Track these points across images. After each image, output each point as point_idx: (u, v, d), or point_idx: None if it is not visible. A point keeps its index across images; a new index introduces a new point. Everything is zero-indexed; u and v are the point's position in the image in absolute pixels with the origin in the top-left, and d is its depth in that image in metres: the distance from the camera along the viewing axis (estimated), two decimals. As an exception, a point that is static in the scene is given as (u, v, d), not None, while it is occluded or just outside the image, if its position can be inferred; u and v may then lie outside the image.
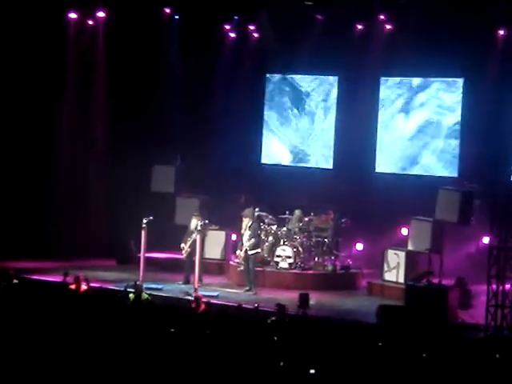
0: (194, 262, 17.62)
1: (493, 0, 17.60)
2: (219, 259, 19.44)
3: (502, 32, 18.73)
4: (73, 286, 15.23)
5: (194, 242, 17.77)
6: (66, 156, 20.59)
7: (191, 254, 17.83)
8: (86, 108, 20.66)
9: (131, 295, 14.94)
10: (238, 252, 18.05)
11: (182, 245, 18.03)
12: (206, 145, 20.60)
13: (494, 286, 14.78)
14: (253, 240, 17.67)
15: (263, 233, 18.97)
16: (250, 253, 17.65)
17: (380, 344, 11.67)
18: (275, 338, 11.64)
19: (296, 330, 12.64)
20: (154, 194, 19.79)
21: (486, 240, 17.62)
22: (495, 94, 18.40)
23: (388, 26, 19.73)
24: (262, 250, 18.60)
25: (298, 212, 18.98)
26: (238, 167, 20.59)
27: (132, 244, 19.03)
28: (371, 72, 20.19)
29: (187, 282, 17.79)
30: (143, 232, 17.31)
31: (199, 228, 17.41)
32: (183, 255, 18.05)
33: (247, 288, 17.59)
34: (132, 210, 18.82)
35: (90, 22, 20.37)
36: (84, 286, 15.23)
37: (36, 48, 19.79)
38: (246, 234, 17.72)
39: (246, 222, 17.78)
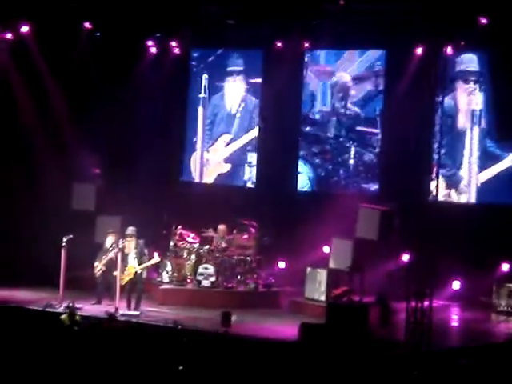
0: (108, 281, 17.46)
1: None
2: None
3: (419, 50, 19.11)
4: None
5: (109, 260, 17.60)
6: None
7: (105, 272, 17.61)
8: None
9: (64, 317, 14.63)
10: (125, 273, 17.27)
11: (96, 263, 17.70)
12: (128, 162, 20.46)
13: (413, 303, 14.98)
14: (139, 258, 17.29)
15: (186, 251, 18.91)
16: (139, 271, 17.29)
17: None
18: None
19: (217, 349, 12.62)
20: (74, 213, 19.54)
21: (405, 258, 17.88)
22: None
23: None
24: (182, 269, 18.55)
25: (222, 227, 18.98)
26: (161, 185, 20.52)
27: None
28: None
29: (99, 302, 17.53)
30: (63, 251, 17.11)
31: (120, 246, 17.21)
32: (96, 274, 17.71)
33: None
34: (51, 229, 18.57)
35: (9, 36, 20.09)
36: None
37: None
38: (133, 252, 17.28)
39: (132, 242, 17.29)
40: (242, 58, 21.46)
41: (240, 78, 21.56)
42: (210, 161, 21.90)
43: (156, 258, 17.73)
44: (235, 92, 21.65)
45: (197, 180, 21.94)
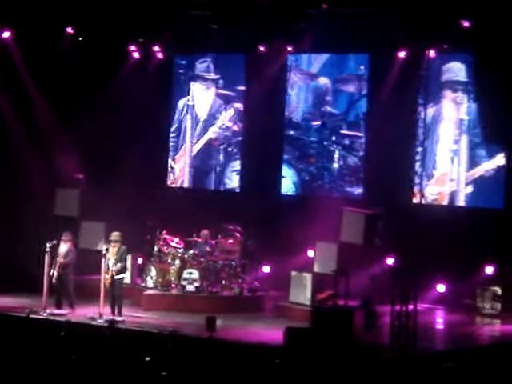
0: (64, 284, 17.30)
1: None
2: (125, 283, 19.13)
3: (402, 54, 19.13)
4: None
5: (61, 265, 17.31)
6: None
7: (60, 277, 17.31)
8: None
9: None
10: (106, 276, 17.04)
11: (52, 271, 17.25)
12: (112, 168, 20.38)
13: (398, 307, 14.99)
14: (119, 264, 17.11)
15: (170, 256, 18.87)
16: (116, 277, 17.09)
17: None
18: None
19: (202, 354, 12.58)
20: (57, 218, 19.42)
21: (389, 261, 17.89)
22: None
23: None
24: (166, 274, 18.49)
25: (203, 232, 18.95)
26: (145, 190, 20.47)
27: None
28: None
29: (72, 307, 17.33)
30: (46, 256, 17.02)
31: (104, 252, 17.10)
32: (53, 281, 17.25)
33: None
34: (35, 235, 18.48)
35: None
36: None
37: None
38: (113, 258, 17.09)
39: (115, 247, 17.14)
40: (216, 64, 21.47)
41: (209, 83, 21.57)
42: (175, 169, 21.90)
43: (125, 274, 17.58)
44: (204, 98, 21.64)
45: (186, 185, 21.90)
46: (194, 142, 21.83)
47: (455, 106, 19.55)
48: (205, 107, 21.71)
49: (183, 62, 21.83)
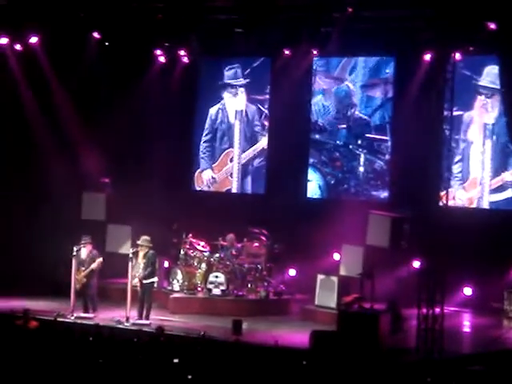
0: (87, 287, 17.32)
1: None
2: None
3: (428, 56, 19.04)
4: (20, 322, 14.82)
5: (91, 271, 17.33)
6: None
7: (86, 285, 17.34)
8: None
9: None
10: (134, 281, 17.10)
11: (77, 276, 17.19)
12: (138, 171, 20.48)
13: (424, 310, 14.94)
14: (148, 269, 17.14)
15: (196, 259, 18.91)
16: (145, 282, 17.11)
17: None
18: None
19: (229, 357, 12.60)
20: (84, 222, 19.53)
21: (416, 264, 17.84)
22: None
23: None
24: (192, 278, 18.51)
25: (229, 237, 18.97)
26: (171, 194, 20.54)
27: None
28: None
29: (86, 310, 17.38)
30: (73, 260, 17.11)
31: (131, 255, 17.15)
32: (77, 287, 17.21)
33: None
34: (62, 238, 18.59)
35: (18, 47, 20.09)
36: (34, 322, 14.84)
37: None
38: (142, 262, 17.11)
39: (142, 251, 17.16)
40: (245, 69, 21.46)
41: (241, 89, 21.55)
42: (216, 179, 21.87)
43: (154, 279, 17.53)
44: (236, 104, 21.64)
45: (206, 189, 21.91)
46: (233, 152, 21.72)
47: (483, 109, 19.43)
48: (240, 114, 21.64)
49: (210, 68, 21.83)
